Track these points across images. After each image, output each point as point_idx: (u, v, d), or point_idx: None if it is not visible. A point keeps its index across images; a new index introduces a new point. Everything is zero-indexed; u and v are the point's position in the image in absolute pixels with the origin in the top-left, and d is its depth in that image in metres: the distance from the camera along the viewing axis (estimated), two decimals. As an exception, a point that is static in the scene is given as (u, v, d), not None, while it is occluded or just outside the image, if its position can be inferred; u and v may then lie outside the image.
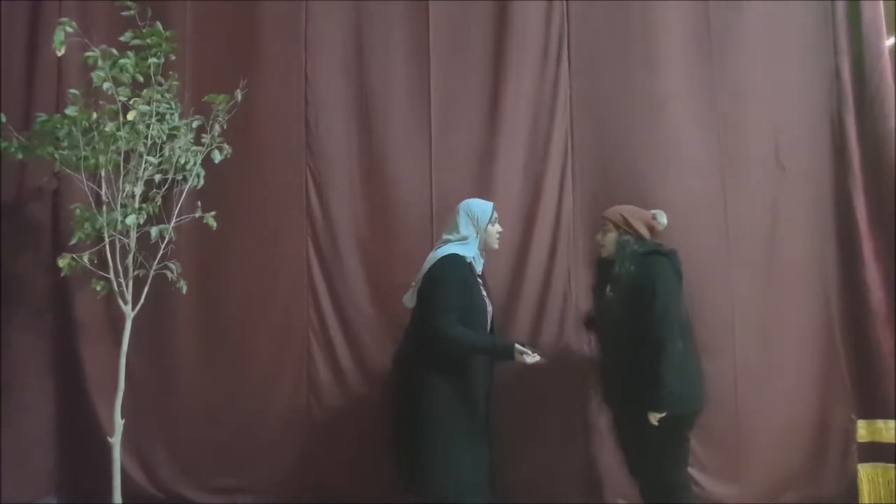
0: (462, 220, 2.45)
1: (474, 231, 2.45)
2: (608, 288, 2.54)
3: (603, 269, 2.63)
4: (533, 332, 2.99)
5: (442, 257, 2.35)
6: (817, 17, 3.20)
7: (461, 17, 3.16)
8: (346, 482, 2.91)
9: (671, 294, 2.38)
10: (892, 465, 2.97)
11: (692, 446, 2.63)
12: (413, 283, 2.45)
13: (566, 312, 3.02)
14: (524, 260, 3.04)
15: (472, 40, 3.15)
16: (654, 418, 2.32)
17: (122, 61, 2.59)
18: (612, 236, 2.58)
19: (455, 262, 2.34)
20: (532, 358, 2.26)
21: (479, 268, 2.49)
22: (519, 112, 3.10)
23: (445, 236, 2.47)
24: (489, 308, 2.47)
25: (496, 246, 2.53)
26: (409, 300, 2.47)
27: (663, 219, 2.60)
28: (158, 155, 2.70)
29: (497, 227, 2.52)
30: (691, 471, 2.82)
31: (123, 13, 2.65)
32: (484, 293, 2.47)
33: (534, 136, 3.11)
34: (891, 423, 2.98)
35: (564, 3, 3.18)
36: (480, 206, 2.49)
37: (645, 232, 2.56)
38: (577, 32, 3.16)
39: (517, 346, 2.28)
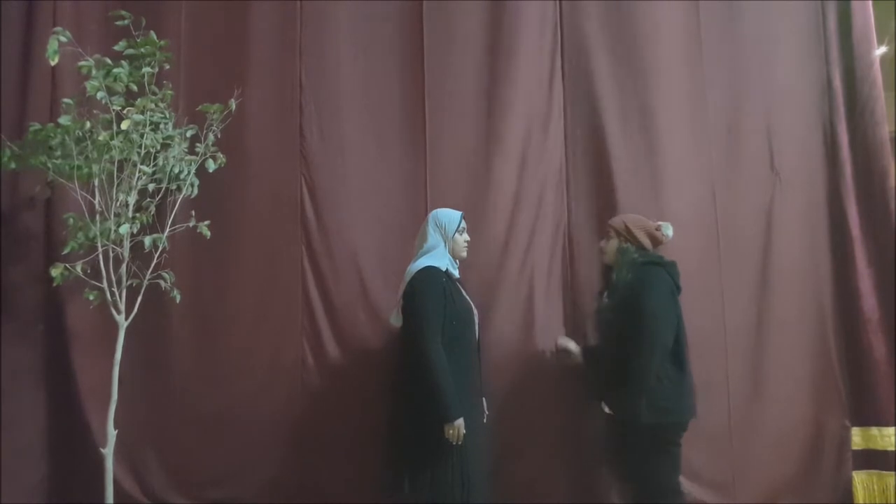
0: (430, 230, 2.50)
1: (442, 240, 2.49)
2: (605, 294, 2.59)
3: (605, 275, 2.69)
4: (531, 340, 2.98)
5: (417, 272, 2.39)
6: (809, 26, 3.24)
7: (455, 23, 3.17)
8: (339, 493, 2.89)
9: (660, 309, 2.42)
10: (887, 472, 2.97)
11: (686, 454, 2.64)
12: (397, 301, 2.47)
13: (563, 316, 3.02)
14: (522, 268, 3.03)
15: (466, 46, 3.16)
16: (607, 410, 2.47)
17: (115, 70, 2.60)
18: (613, 244, 2.62)
19: (430, 274, 2.38)
20: (452, 437, 2.22)
21: (455, 273, 2.52)
22: (514, 119, 3.11)
23: (417, 249, 2.51)
24: (474, 310, 2.51)
25: (464, 255, 2.57)
26: (395, 319, 2.49)
27: (669, 231, 2.63)
28: (152, 164, 2.70)
29: (465, 237, 2.56)
30: (685, 479, 2.83)
31: (117, 23, 2.66)
32: (467, 297, 2.50)
33: (528, 143, 3.12)
34: (885, 430, 2.99)
35: (558, 6, 3.19)
36: (448, 215, 2.53)
37: (646, 241, 2.59)
38: (570, 37, 3.18)
39: (459, 422, 2.23)
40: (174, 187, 2.80)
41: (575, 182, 3.12)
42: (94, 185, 2.66)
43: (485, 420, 2.52)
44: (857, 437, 3.03)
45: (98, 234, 2.60)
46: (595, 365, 2.72)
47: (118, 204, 2.65)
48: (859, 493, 3.00)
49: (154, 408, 2.97)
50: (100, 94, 2.57)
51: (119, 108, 2.61)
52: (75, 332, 2.96)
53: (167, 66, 2.80)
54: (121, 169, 2.65)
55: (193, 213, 2.83)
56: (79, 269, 2.62)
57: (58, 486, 2.97)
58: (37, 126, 2.62)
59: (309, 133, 3.09)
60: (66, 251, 2.63)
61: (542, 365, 2.98)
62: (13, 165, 2.69)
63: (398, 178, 3.11)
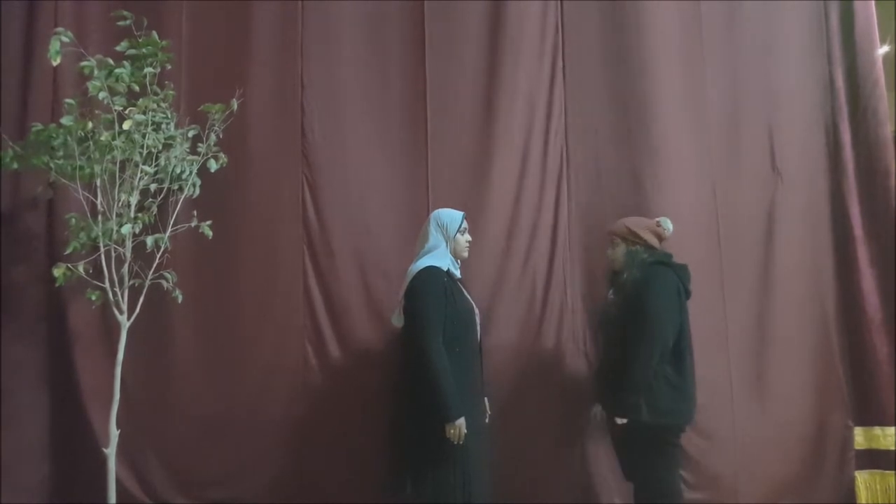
0: (432, 230, 2.50)
1: (443, 240, 2.48)
2: (610, 292, 2.61)
3: (612, 279, 2.68)
4: (532, 339, 3.00)
5: (418, 272, 2.38)
6: (811, 26, 3.25)
7: (457, 24, 3.18)
8: (340, 493, 2.89)
9: (662, 307, 2.43)
10: (890, 471, 2.97)
11: (688, 453, 2.65)
12: (399, 302, 2.47)
13: (564, 317, 3.03)
14: (522, 267, 3.05)
15: (467, 46, 3.17)
16: (619, 421, 2.43)
17: (117, 71, 2.60)
18: (621, 249, 2.62)
19: (431, 274, 2.37)
20: (453, 437, 2.21)
21: (457, 273, 2.51)
22: (514, 119, 3.12)
23: (418, 249, 2.51)
24: (476, 310, 2.51)
25: (465, 255, 2.56)
26: (397, 319, 2.49)
27: (669, 225, 2.65)
28: (154, 164, 2.70)
29: (466, 237, 2.55)
30: (688, 477, 2.84)
31: (119, 23, 2.66)
32: (468, 297, 2.50)
33: (529, 143, 3.12)
34: (888, 429, 2.99)
35: (559, 6, 3.19)
36: (450, 215, 2.52)
37: (652, 240, 2.60)
38: (571, 38, 3.19)
39: (460, 422, 2.22)
40: (176, 187, 2.80)
41: (575, 182, 3.13)
42: (96, 186, 2.66)
43: (486, 420, 2.52)
44: (860, 437, 3.03)
45: (100, 234, 2.61)
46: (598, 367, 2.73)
47: (120, 204, 2.65)
48: (862, 492, 3.00)
49: (156, 408, 2.97)
50: (102, 95, 2.57)
51: (121, 108, 2.61)
52: (77, 332, 2.96)
53: (169, 67, 2.80)
54: (123, 169, 2.65)
55: (195, 213, 2.83)
56: (81, 269, 2.62)
57: (59, 486, 2.97)
58: (39, 126, 2.63)
59: (310, 133, 3.09)
60: (68, 251, 2.63)
61: (543, 365, 2.98)
62: (15, 166, 2.69)
63: (399, 178, 3.11)
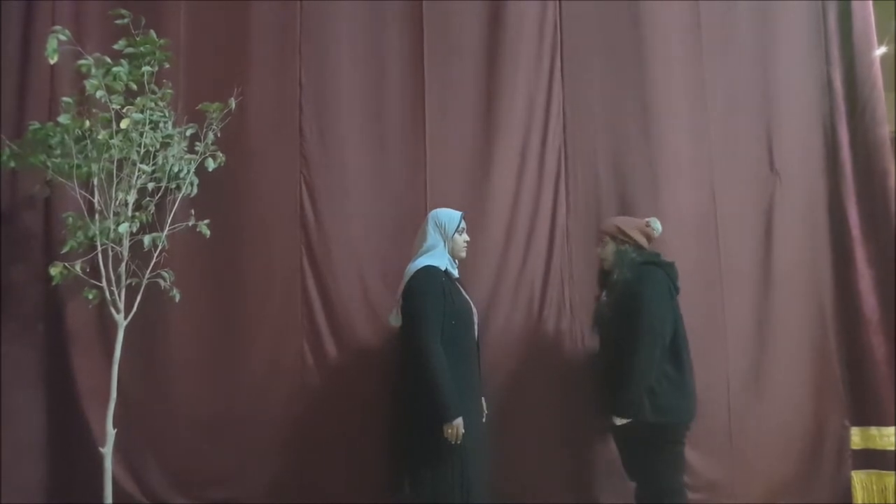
0: (430, 230, 2.50)
1: (441, 240, 2.49)
2: (603, 294, 2.62)
3: (603, 279, 2.69)
4: (529, 338, 3.00)
5: (416, 271, 2.38)
6: (809, 26, 3.25)
7: (455, 24, 3.17)
8: (339, 493, 2.89)
9: (657, 305, 2.44)
10: (887, 471, 2.98)
11: (686, 454, 2.64)
12: (396, 301, 2.47)
13: (562, 316, 3.04)
14: (520, 267, 3.05)
15: (466, 46, 3.17)
16: (618, 421, 2.43)
17: (115, 69, 2.59)
18: (610, 248, 2.63)
19: (429, 273, 2.37)
20: (451, 437, 2.21)
21: (455, 272, 2.52)
22: (513, 120, 3.12)
23: (416, 248, 2.51)
24: (474, 310, 2.51)
25: (463, 255, 2.57)
26: (395, 319, 2.49)
27: (658, 225, 2.66)
28: (151, 163, 2.69)
29: (464, 237, 2.56)
30: (685, 478, 2.83)
31: (117, 21, 2.65)
32: (466, 296, 2.51)
33: (528, 143, 3.12)
34: (885, 429, 3.00)
35: (558, 6, 3.20)
36: (448, 215, 2.53)
37: (641, 240, 2.61)
38: (570, 38, 3.19)
39: (458, 422, 2.22)
40: (174, 186, 2.79)
41: (574, 182, 3.13)
42: (93, 184, 2.66)
43: (483, 420, 2.52)
44: (857, 437, 3.04)
45: (97, 232, 2.60)
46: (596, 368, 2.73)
47: (117, 203, 2.65)
48: (858, 492, 3.00)
49: (153, 407, 2.96)
50: (99, 93, 2.56)
51: (118, 106, 2.60)
52: (74, 331, 2.95)
53: (167, 65, 2.79)
54: (120, 168, 2.65)
55: (193, 211, 2.82)
56: (78, 268, 2.62)
57: (57, 486, 2.96)
58: (36, 125, 2.62)
59: (309, 132, 3.09)
60: (65, 250, 2.62)
61: (541, 364, 2.98)
62: (12, 164, 2.69)
63: (398, 178, 3.10)
